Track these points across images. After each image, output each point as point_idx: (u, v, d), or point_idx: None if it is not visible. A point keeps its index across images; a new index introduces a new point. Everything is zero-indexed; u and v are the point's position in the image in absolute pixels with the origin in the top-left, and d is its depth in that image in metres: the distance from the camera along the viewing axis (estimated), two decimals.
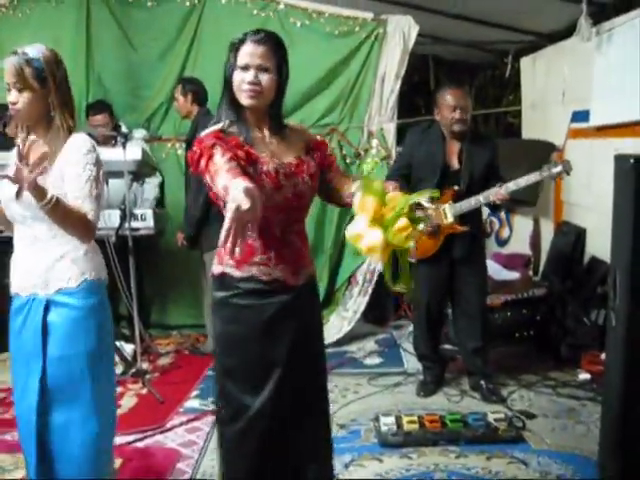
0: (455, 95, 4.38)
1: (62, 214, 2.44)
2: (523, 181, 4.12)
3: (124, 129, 5.40)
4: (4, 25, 6.00)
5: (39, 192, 2.33)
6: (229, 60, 2.47)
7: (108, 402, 2.77)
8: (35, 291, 2.62)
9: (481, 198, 4.24)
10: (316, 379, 2.71)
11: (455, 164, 4.44)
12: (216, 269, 2.54)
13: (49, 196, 2.36)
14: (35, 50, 2.57)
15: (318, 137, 2.64)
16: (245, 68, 2.42)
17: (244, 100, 2.45)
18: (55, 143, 2.57)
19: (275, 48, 2.46)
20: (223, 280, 2.52)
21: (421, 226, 2.32)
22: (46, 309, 2.61)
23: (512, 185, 4.14)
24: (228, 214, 1.87)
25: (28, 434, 2.62)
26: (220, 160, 2.27)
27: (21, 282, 2.66)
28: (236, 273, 2.50)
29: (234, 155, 2.33)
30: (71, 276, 2.62)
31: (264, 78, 2.43)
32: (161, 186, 6.03)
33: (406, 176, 4.50)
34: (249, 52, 2.43)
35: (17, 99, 2.54)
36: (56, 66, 2.59)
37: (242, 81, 2.43)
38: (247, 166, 2.36)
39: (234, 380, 2.55)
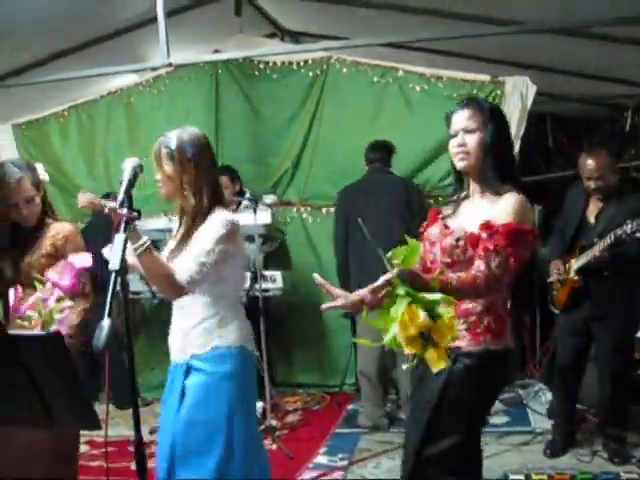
0: (589, 165, 4.34)
1: (150, 263, 2.56)
2: (608, 238, 4.08)
3: (248, 195, 5.69)
4: (142, 100, 6.53)
5: (135, 235, 2.47)
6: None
7: (240, 469, 2.77)
8: (177, 356, 2.81)
9: (587, 256, 4.26)
10: None
11: (592, 219, 4.45)
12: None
13: (142, 240, 2.50)
14: (174, 133, 2.77)
15: (506, 217, 2.40)
16: (454, 135, 2.57)
17: (457, 164, 2.58)
18: (191, 219, 2.75)
19: (478, 108, 2.55)
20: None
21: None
22: (187, 373, 2.76)
23: (602, 242, 4.12)
24: None
25: None
26: None
27: (171, 347, 2.85)
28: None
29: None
30: (204, 343, 2.74)
31: (469, 139, 2.53)
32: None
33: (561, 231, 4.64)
34: (455, 119, 2.57)
35: (158, 177, 2.78)
36: (191, 148, 2.73)
37: (452, 147, 2.57)
38: None
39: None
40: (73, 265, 2.68)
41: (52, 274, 2.65)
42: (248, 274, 5.24)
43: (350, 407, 5.86)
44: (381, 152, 5.39)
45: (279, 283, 5.60)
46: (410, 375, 4.70)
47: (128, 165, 2.39)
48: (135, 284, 5.52)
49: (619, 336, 4.44)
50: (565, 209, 4.68)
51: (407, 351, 2.13)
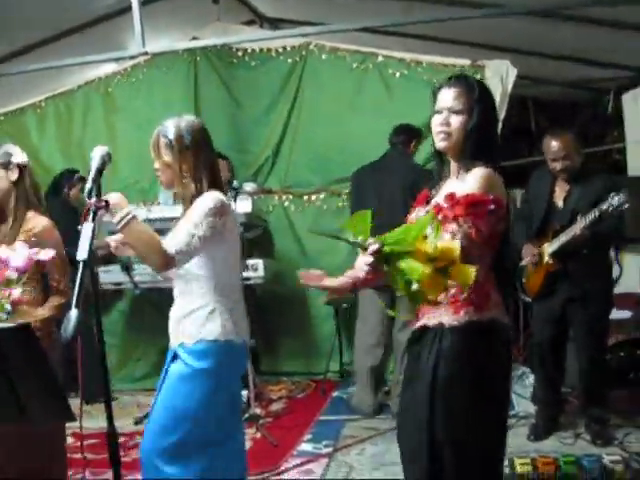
0: (554, 147, 4.36)
1: (135, 232, 2.49)
2: (592, 214, 4.05)
3: (235, 184, 5.66)
4: (120, 89, 6.48)
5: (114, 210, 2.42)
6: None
7: (208, 468, 2.71)
8: (171, 341, 2.78)
9: (565, 236, 4.23)
10: None
11: (560, 203, 4.45)
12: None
13: (124, 212, 2.43)
14: (171, 122, 2.75)
15: (470, 189, 2.36)
16: (439, 112, 2.47)
17: (437, 143, 2.49)
18: (189, 203, 2.72)
19: (467, 89, 2.45)
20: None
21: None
22: (173, 359, 2.75)
23: (584, 220, 4.10)
24: None
25: None
26: None
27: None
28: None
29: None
30: (191, 333, 2.70)
31: (454, 120, 2.43)
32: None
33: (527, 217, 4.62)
34: (442, 96, 2.47)
35: (157, 166, 2.76)
36: (189, 136, 2.72)
37: (435, 124, 2.47)
38: None
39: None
40: (28, 249, 2.59)
41: (3, 251, 2.55)
42: None
43: (335, 394, 5.85)
44: (402, 135, 5.27)
45: (260, 272, 5.57)
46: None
47: (97, 154, 2.35)
48: (116, 275, 5.48)
49: (596, 316, 4.43)
50: (530, 195, 4.67)
51: (433, 296, 2.17)
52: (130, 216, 2.45)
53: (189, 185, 2.72)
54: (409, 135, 5.29)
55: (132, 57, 5.52)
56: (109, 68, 6.49)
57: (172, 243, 2.56)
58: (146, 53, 4.52)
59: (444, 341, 2.41)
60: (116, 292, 6.07)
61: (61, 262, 3.02)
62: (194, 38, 6.03)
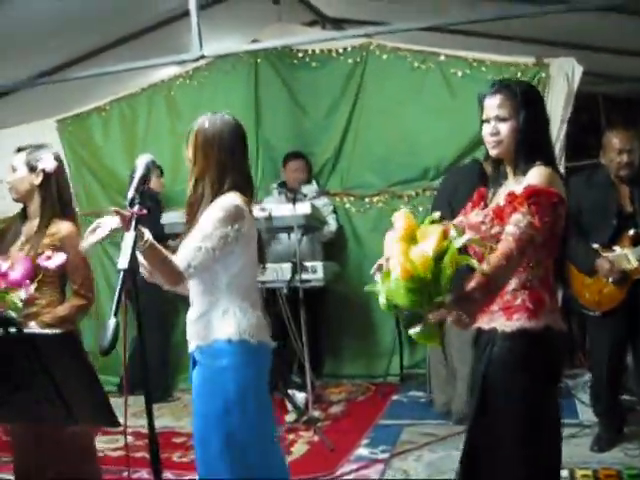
0: (621, 138, 4.20)
1: (152, 257, 2.45)
2: None
3: (314, 185, 5.70)
4: (182, 92, 6.54)
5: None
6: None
7: (237, 468, 2.66)
8: (189, 345, 2.74)
9: None
10: None
11: (628, 207, 4.24)
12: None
13: (145, 237, 2.37)
14: (199, 120, 2.73)
15: (525, 187, 2.39)
16: (487, 121, 2.52)
17: (490, 151, 2.55)
18: (200, 203, 2.66)
19: (510, 95, 2.49)
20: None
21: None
22: (194, 364, 2.73)
23: None
24: None
25: None
26: None
27: None
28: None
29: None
30: (205, 335, 2.66)
31: (502, 127, 2.48)
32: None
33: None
34: (487, 105, 2.53)
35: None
36: (212, 136, 2.67)
37: (485, 134, 2.54)
38: None
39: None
40: (29, 260, 2.62)
41: (2, 263, 2.57)
42: (289, 265, 5.20)
43: (395, 397, 5.80)
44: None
45: (320, 274, 5.52)
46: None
47: (141, 162, 2.38)
48: None
49: None
50: (585, 202, 4.24)
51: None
52: (149, 242, 2.41)
53: (195, 186, 2.69)
54: None
55: (190, 60, 5.56)
56: (172, 71, 6.56)
57: (181, 259, 2.53)
58: (203, 56, 4.55)
59: (495, 346, 2.45)
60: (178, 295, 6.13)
61: (83, 266, 3.10)
62: (255, 40, 6.04)
